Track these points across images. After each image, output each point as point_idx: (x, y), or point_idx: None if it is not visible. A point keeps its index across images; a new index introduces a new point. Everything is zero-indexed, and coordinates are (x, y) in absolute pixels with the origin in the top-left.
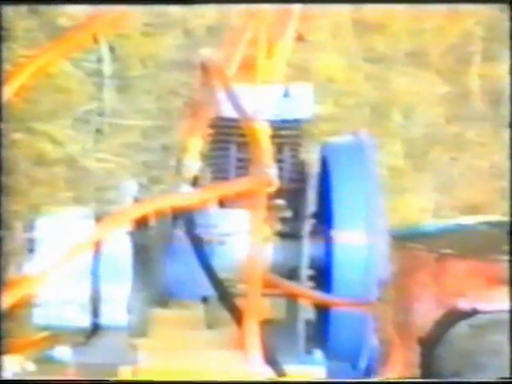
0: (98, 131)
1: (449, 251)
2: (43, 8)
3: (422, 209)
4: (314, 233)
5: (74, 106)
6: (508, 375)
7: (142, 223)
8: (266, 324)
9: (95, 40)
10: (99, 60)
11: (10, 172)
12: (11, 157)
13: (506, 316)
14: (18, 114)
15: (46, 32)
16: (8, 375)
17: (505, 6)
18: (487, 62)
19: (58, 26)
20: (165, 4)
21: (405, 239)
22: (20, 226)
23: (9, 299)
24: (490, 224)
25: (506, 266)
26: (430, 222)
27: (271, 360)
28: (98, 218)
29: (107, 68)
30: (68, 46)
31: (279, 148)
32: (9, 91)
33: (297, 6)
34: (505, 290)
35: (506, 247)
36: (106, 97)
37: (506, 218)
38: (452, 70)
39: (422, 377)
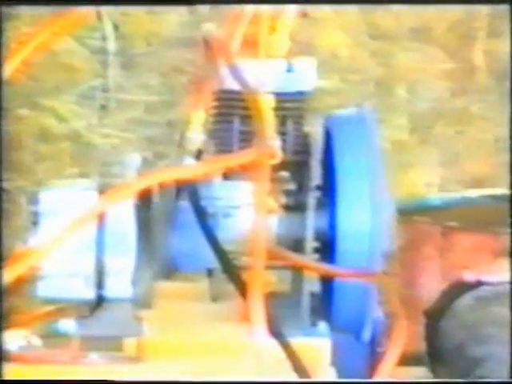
0: (103, 107)
1: (454, 224)
2: None
3: (428, 183)
4: (318, 205)
5: (79, 82)
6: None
7: (145, 196)
8: (271, 296)
9: (99, 18)
10: (103, 37)
11: (14, 148)
12: (16, 132)
13: (510, 288)
14: (23, 90)
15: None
16: (14, 349)
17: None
18: (491, 38)
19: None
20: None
21: (410, 212)
22: (25, 200)
23: (13, 272)
24: (494, 197)
25: (510, 238)
26: (435, 195)
27: (276, 332)
28: (102, 191)
29: (111, 45)
30: (70, 22)
31: (282, 120)
32: (11, 67)
33: None
34: (509, 262)
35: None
36: (110, 74)
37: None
38: (456, 46)
39: (427, 349)
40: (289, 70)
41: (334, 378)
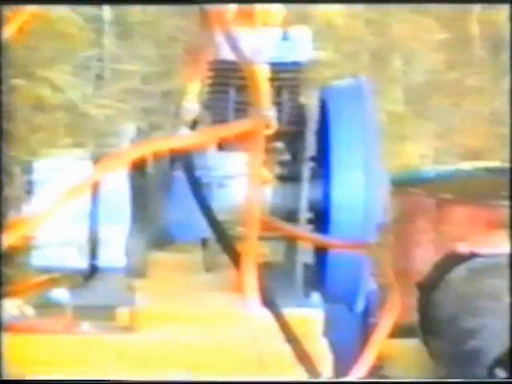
0: (98, 77)
1: (448, 196)
2: None
3: (422, 155)
4: (312, 176)
5: (74, 52)
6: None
7: (140, 165)
8: (265, 267)
9: None
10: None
11: (9, 118)
12: (11, 102)
13: (504, 260)
14: (18, 60)
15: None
16: (7, 319)
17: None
18: (487, 8)
19: None
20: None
21: (404, 184)
22: (19, 170)
23: (8, 241)
24: (489, 170)
25: (504, 211)
26: (430, 168)
27: (269, 302)
28: (96, 160)
29: (107, 14)
30: None
31: (278, 91)
32: (7, 35)
33: None
34: (503, 234)
35: (506, 193)
36: (106, 43)
37: (506, 164)
38: (452, 16)
39: (420, 321)
40: (284, 38)
41: (327, 348)
